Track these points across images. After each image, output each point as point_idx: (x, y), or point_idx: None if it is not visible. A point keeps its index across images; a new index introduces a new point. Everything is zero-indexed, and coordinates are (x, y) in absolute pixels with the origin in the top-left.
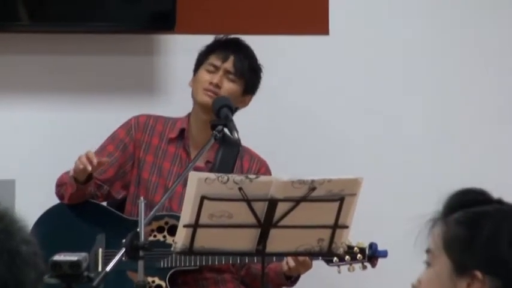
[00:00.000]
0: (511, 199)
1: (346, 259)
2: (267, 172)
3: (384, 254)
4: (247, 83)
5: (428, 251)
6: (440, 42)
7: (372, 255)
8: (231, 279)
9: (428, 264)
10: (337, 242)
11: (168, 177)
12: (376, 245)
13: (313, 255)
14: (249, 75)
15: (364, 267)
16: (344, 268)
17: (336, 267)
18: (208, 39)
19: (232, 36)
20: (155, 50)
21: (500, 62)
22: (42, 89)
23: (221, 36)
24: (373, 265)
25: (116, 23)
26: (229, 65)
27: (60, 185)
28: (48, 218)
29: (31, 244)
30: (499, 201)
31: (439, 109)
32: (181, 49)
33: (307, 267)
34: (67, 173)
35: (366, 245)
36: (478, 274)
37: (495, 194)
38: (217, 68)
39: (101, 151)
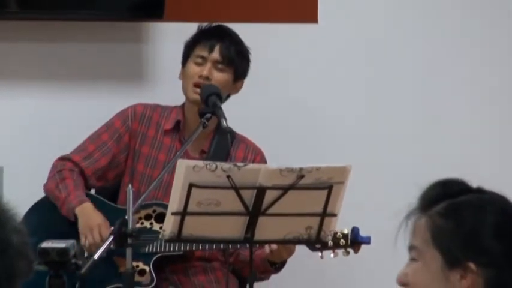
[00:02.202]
0: (499, 187)
1: (329, 245)
2: (262, 161)
3: (367, 240)
4: (237, 69)
5: (412, 247)
6: (431, 30)
7: (354, 239)
8: (220, 267)
9: (415, 259)
10: (325, 230)
11: (163, 169)
12: (357, 229)
13: (301, 243)
14: (237, 61)
15: (347, 253)
16: (326, 254)
17: (318, 253)
18: (197, 27)
19: (216, 23)
20: (144, 37)
21: (492, 54)
22: (30, 77)
23: (204, 24)
24: (356, 251)
25: (104, 10)
26: (216, 54)
27: (51, 193)
28: (38, 209)
29: (22, 233)
30: (480, 190)
31: (430, 98)
32: (170, 37)
33: (289, 251)
34: (67, 190)
35: (348, 230)
36: (472, 265)
37: (484, 183)
38: (204, 59)
39: (95, 139)
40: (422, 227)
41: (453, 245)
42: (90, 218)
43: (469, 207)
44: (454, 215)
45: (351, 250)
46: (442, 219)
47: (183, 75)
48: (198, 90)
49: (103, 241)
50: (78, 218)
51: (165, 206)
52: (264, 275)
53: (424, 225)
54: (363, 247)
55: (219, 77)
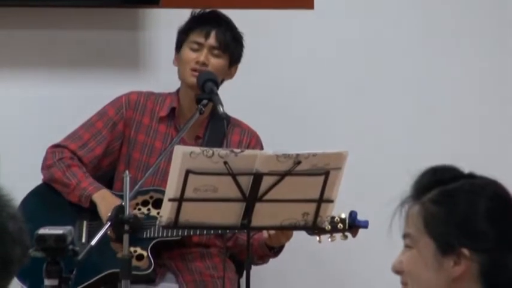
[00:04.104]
0: (492, 174)
1: (327, 229)
2: (258, 144)
3: (365, 225)
4: (232, 55)
5: (406, 235)
6: (427, 17)
7: (352, 223)
8: (218, 253)
9: (409, 247)
10: (322, 216)
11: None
12: (356, 213)
13: (298, 229)
14: (233, 46)
15: (345, 237)
16: (324, 238)
17: (316, 237)
18: (190, 13)
19: (209, 9)
20: (140, 24)
21: (488, 43)
22: (25, 64)
23: (197, 10)
24: (354, 235)
25: None
26: (212, 40)
27: (58, 180)
28: (33, 196)
29: (17, 220)
30: (471, 176)
31: (424, 86)
32: (166, 23)
33: (287, 236)
34: (77, 178)
35: (345, 215)
36: (465, 251)
37: (477, 170)
38: (201, 45)
39: (89, 127)
40: (416, 215)
41: (446, 231)
42: (112, 203)
43: (461, 193)
44: (447, 201)
45: (349, 234)
46: (434, 206)
47: (179, 61)
48: (196, 73)
49: None
50: (97, 204)
51: (162, 192)
52: (262, 260)
53: (417, 212)
54: (361, 231)
55: (216, 63)
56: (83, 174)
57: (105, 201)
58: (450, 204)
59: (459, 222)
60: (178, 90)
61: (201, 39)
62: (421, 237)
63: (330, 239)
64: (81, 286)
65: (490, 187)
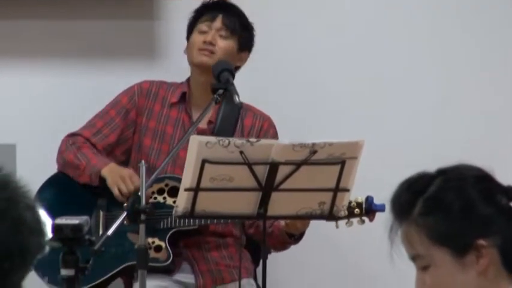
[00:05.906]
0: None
1: (344, 214)
2: (271, 127)
3: (382, 208)
4: (240, 39)
5: (416, 257)
6: (444, 4)
7: (368, 208)
8: (233, 243)
9: (425, 267)
10: (338, 205)
11: (171, 142)
12: (372, 198)
13: (314, 218)
14: (240, 31)
15: (362, 222)
16: (341, 223)
17: (333, 222)
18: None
19: None
20: (155, 14)
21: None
22: (42, 54)
23: (208, 0)
24: (371, 219)
25: None
26: (218, 23)
27: (70, 163)
28: (49, 186)
29: (35, 210)
30: (441, 172)
31: (442, 74)
32: (182, 13)
33: (304, 222)
34: (87, 158)
35: (362, 199)
36: (481, 242)
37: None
38: (208, 27)
39: (102, 115)
40: (415, 234)
41: (454, 233)
42: (119, 171)
43: (446, 193)
44: (437, 207)
45: (366, 219)
46: (428, 217)
47: (188, 46)
48: (204, 52)
49: (136, 189)
50: (106, 177)
51: (177, 179)
52: (283, 246)
53: (415, 231)
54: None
55: (223, 44)
56: (92, 154)
57: (112, 173)
58: (442, 207)
59: (462, 219)
60: (188, 79)
61: (208, 23)
62: (433, 252)
63: (347, 224)
64: (101, 279)
65: (467, 173)
